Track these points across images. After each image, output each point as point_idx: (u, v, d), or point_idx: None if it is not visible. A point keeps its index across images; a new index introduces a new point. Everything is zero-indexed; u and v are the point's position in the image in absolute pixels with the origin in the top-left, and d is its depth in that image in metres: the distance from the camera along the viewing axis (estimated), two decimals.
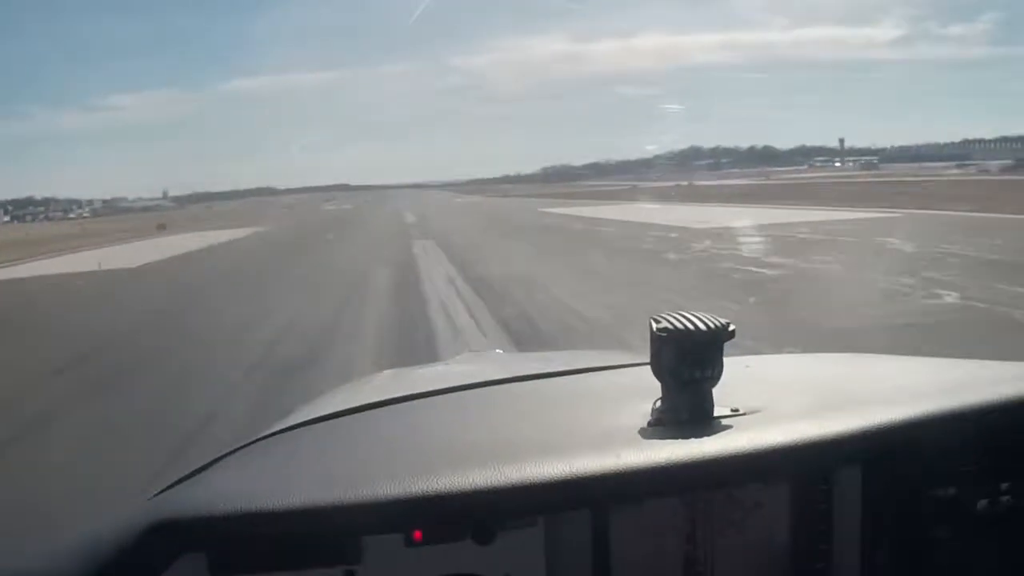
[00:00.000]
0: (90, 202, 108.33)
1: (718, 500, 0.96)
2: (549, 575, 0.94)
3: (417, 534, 0.91)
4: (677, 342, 0.97)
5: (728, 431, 0.96)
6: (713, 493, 0.95)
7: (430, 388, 1.34)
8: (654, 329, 0.99)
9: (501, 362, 2.50)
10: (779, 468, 0.94)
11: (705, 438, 0.94)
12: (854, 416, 0.96)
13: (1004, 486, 0.98)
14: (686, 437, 0.94)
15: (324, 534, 0.90)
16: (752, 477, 0.94)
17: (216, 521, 0.88)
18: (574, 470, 0.88)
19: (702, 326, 0.97)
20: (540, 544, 0.93)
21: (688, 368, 0.97)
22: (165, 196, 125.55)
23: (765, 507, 0.96)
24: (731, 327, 0.98)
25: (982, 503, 0.97)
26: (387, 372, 2.28)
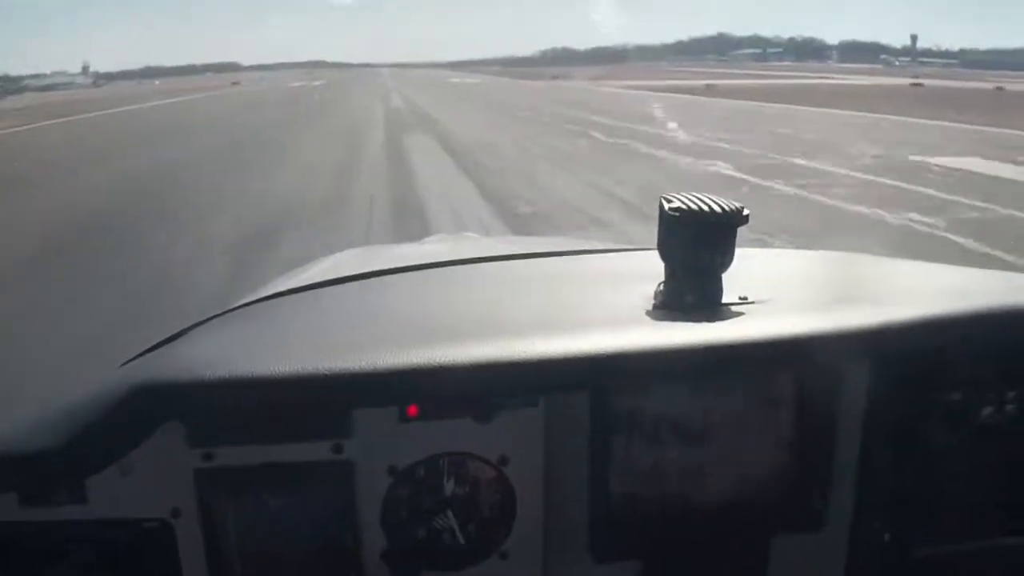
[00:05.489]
0: None
1: (720, 392, 0.94)
2: (547, 458, 0.92)
3: (412, 409, 0.88)
4: (689, 224, 0.93)
5: (739, 318, 0.94)
6: (717, 383, 0.93)
7: (414, 263, 1.28)
8: (666, 208, 0.94)
9: (480, 243, 2.40)
10: (790, 358, 0.91)
11: (715, 323, 0.92)
12: (867, 311, 0.94)
13: (1010, 395, 0.96)
14: (695, 321, 0.92)
15: (313, 405, 0.86)
16: (762, 366, 0.92)
17: (197, 387, 0.82)
18: (578, 347, 0.85)
19: (717, 209, 0.93)
20: (540, 426, 0.91)
21: (698, 252, 0.94)
22: (85, 71, 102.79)
23: (768, 401, 0.95)
24: (745, 212, 0.94)
25: (987, 411, 0.96)
26: (356, 249, 2.14)
